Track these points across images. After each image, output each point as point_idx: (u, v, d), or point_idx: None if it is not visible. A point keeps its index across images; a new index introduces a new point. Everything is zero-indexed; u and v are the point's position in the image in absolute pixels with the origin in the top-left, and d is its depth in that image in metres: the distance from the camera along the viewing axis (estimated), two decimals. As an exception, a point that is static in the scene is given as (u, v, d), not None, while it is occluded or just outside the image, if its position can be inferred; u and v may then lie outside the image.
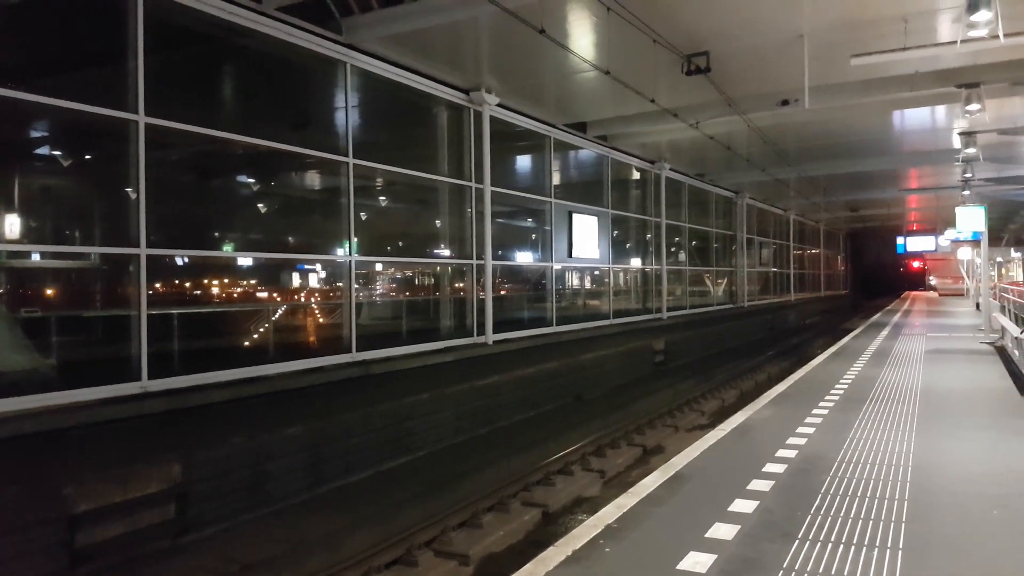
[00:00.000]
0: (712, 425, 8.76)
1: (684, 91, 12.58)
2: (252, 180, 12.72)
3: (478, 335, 12.72)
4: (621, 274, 20.15)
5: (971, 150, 16.80)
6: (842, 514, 5.11)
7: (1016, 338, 11.03)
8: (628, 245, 20.23)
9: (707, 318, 22.98)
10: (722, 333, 23.41)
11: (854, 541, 4.61)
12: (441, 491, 8.38)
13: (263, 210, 13.35)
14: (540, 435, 11.21)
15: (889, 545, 4.55)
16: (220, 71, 10.09)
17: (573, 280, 18.62)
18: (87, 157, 10.84)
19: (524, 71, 12.33)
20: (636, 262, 20.45)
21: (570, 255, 15.95)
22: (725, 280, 26.55)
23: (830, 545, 4.55)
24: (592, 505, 8.13)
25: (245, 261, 11.78)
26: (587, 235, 16.59)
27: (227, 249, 11.34)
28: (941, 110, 15.44)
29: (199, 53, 9.43)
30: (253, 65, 10.00)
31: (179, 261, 10.34)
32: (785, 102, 12.79)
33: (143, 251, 7.86)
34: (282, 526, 7.24)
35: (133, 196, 7.87)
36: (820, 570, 4.19)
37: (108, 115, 7.71)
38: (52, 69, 8.13)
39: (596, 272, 18.59)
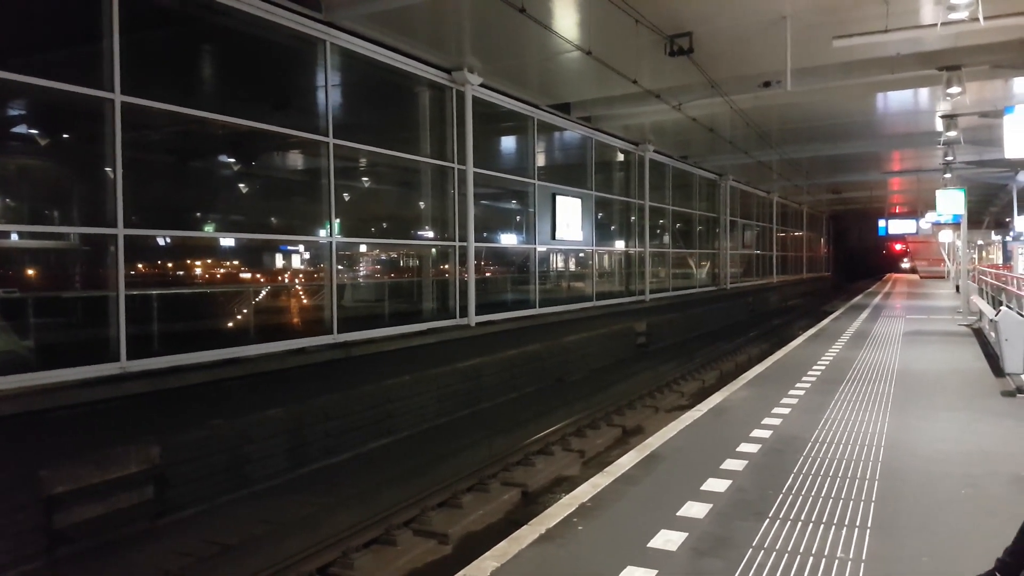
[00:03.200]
0: (692, 406, 8.87)
1: (667, 73, 12.54)
2: (233, 160, 12.60)
3: (461, 317, 12.71)
4: (606, 256, 20.18)
5: (952, 133, 16.89)
6: (813, 493, 5.19)
7: (991, 320, 11.17)
8: (612, 227, 20.24)
9: (690, 300, 23.10)
10: (704, 315, 23.56)
11: (823, 520, 4.70)
12: (421, 472, 8.44)
13: (245, 191, 13.24)
14: (522, 417, 11.29)
15: (858, 524, 4.64)
16: (198, 50, 9.96)
17: (557, 262, 18.63)
18: (65, 137, 10.70)
19: (507, 51, 12.24)
20: (620, 244, 20.48)
21: (553, 237, 15.95)
22: (708, 262, 26.65)
23: (800, 524, 4.63)
24: (571, 485, 8.19)
25: (227, 242, 11.69)
26: (571, 217, 16.58)
27: (208, 230, 11.26)
28: (923, 93, 15.47)
29: (177, 32, 9.29)
30: (232, 44, 9.87)
31: (161, 242, 10.26)
32: (767, 84, 12.79)
33: (120, 231, 7.78)
34: (262, 507, 7.28)
35: (111, 176, 7.79)
36: (789, 548, 4.27)
37: (84, 93, 7.60)
38: (27, 48, 7.98)
39: (581, 254, 18.61)
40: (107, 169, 7.87)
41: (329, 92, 10.39)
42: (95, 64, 7.64)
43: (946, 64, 12.19)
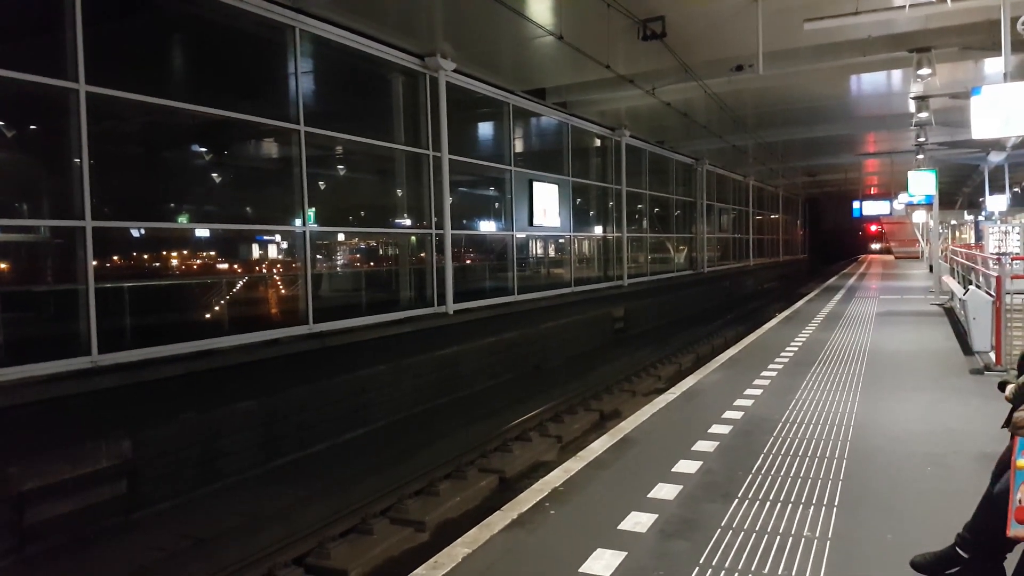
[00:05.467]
0: (668, 389, 8.93)
1: (641, 57, 12.52)
2: (205, 150, 12.46)
3: (438, 305, 12.68)
4: (584, 242, 20.21)
5: (924, 114, 17.05)
6: (781, 474, 5.26)
7: (960, 299, 11.34)
8: (590, 213, 20.26)
9: (667, 285, 23.21)
10: (682, 299, 23.70)
11: (791, 500, 4.76)
12: (397, 461, 8.44)
13: (217, 181, 13.10)
14: (499, 404, 11.31)
15: (824, 503, 4.70)
16: (165, 38, 9.79)
17: (536, 249, 18.63)
18: (31, 128, 10.52)
19: (479, 36, 12.16)
20: (598, 230, 20.51)
21: (531, 224, 15.94)
22: (686, 247, 26.78)
23: (767, 504, 4.70)
24: (548, 470, 8.21)
25: (202, 233, 11.58)
26: (548, 203, 16.57)
27: (181, 221, 11.13)
28: (896, 75, 15.58)
29: (142, 20, 9.13)
30: (199, 32, 9.72)
31: (135, 233, 10.15)
32: (739, 68, 12.82)
33: (88, 223, 7.68)
34: (236, 500, 7.26)
35: (78, 167, 7.67)
36: (756, 528, 4.33)
37: (46, 83, 7.46)
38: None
39: (560, 241, 18.62)
40: (75, 160, 7.75)
41: (300, 79, 10.27)
42: (58, 54, 7.50)
43: (916, 46, 12.30)
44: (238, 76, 10.35)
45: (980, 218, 29.60)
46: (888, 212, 34.65)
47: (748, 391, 8.01)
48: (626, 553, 4.01)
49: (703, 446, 5.93)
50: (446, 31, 11.92)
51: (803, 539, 4.17)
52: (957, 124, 19.65)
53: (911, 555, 3.78)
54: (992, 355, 9.17)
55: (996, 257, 11.98)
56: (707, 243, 27.48)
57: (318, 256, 11.18)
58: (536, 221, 15.98)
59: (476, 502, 7.64)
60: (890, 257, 50.25)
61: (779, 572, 3.78)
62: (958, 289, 13.87)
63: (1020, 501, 2.90)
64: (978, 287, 11.08)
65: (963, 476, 5.12)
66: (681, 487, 4.99)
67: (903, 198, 26.71)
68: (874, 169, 34.51)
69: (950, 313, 14.92)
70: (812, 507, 4.63)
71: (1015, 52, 8.62)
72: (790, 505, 4.67)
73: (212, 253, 12.70)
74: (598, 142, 19.99)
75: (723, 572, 3.79)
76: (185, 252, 12.39)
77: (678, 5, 10.61)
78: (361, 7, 10.33)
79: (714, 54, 12.99)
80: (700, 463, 5.49)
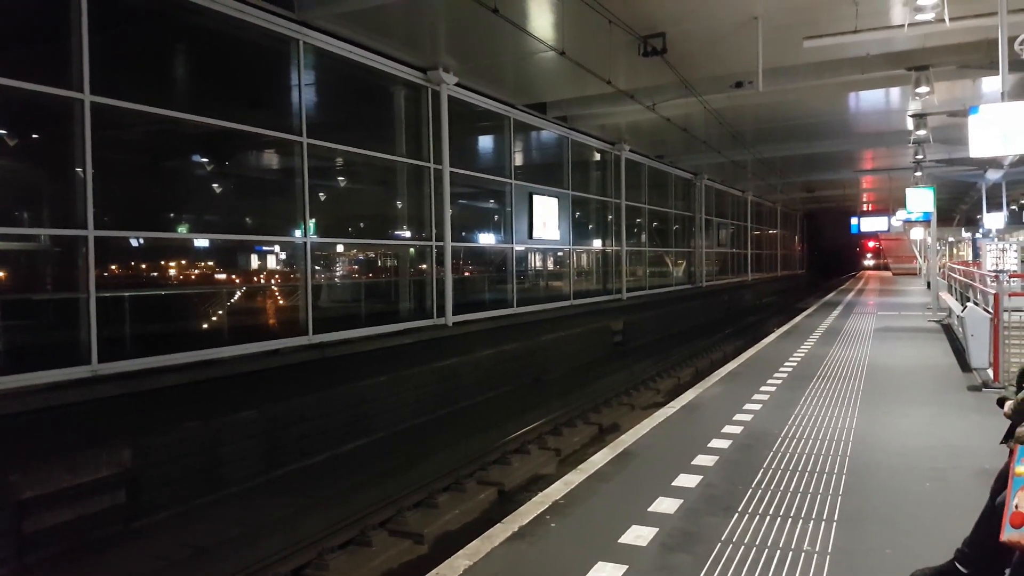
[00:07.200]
0: (667, 403, 8.95)
1: (641, 73, 12.63)
2: (207, 160, 12.51)
3: (438, 317, 12.71)
4: (583, 255, 20.26)
5: (922, 132, 17.15)
6: (782, 488, 5.28)
7: (958, 316, 11.38)
8: (589, 226, 20.33)
9: (666, 298, 23.26)
10: (680, 313, 23.73)
11: (791, 514, 4.78)
12: (396, 473, 8.44)
13: (218, 191, 13.14)
14: (498, 416, 11.31)
15: (824, 517, 4.72)
16: (170, 50, 9.86)
17: (535, 261, 18.68)
18: (34, 137, 10.56)
19: (482, 50, 12.26)
20: (597, 243, 20.58)
21: (530, 236, 15.99)
22: (684, 261, 26.84)
23: (768, 518, 4.71)
24: (548, 483, 8.21)
25: (202, 243, 11.61)
26: (548, 216, 16.64)
27: (181, 231, 11.16)
28: (894, 92, 15.72)
29: (147, 31, 9.20)
30: (204, 43, 9.79)
31: (134, 243, 10.17)
32: (739, 84, 12.92)
33: (91, 233, 7.71)
34: (236, 510, 7.24)
35: (81, 177, 7.70)
36: (757, 542, 4.34)
37: (52, 93, 7.51)
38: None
39: (559, 253, 18.68)
40: (77, 170, 7.78)
41: (303, 91, 10.35)
42: (64, 63, 7.55)
43: (914, 64, 12.41)
44: (242, 87, 10.42)
45: (978, 235, 29.69)
46: (886, 228, 34.74)
47: (748, 405, 8.03)
48: (627, 566, 4.02)
49: (703, 460, 5.95)
50: (449, 45, 12.01)
51: (803, 553, 4.18)
52: (955, 142, 19.77)
53: (911, 569, 3.80)
54: (990, 372, 9.20)
55: (994, 274, 12.05)
56: (706, 257, 27.55)
57: (316, 267, 11.19)
58: (536, 234, 16.04)
59: (475, 514, 7.64)
60: (888, 273, 50.40)
61: (780, 586, 3.80)
62: (956, 306, 13.91)
63: (1017, 507, 2.92)
64: (976, 304, 11.11)
65: (962, 491, 5.14)
66: (682, 501, 5.00)
67: (901, 215, 26.83)
68: (872, 185, 34.65)
69: (948, 330, 14.96)
70: (812, 521, 4.64)
71: (1013, 71, 8.70)
72: (790, 519, 4.68)
73: (211, 263, 12.73)
74: (598, 156, 20.09)
75: (724, 586, 3.81)
76: (184, 262, 12.41)
77: (679, 22, 10.71)
78: (365, 21, 10.42)
79: (714, 70, 13.11)
80: (700, 477, 5.51)
